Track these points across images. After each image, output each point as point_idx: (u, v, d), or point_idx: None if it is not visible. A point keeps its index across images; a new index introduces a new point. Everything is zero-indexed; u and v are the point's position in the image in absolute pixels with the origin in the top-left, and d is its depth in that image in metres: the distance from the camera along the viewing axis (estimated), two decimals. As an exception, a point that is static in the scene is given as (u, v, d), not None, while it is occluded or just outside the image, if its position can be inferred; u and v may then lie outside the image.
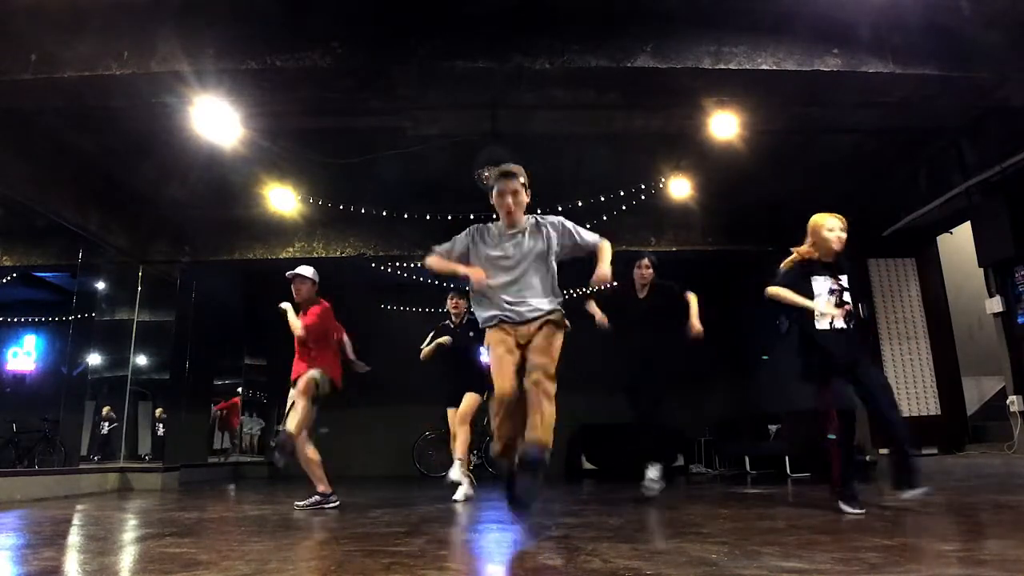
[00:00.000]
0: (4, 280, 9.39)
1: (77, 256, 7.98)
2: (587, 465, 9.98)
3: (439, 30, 4.84)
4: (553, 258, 3.56)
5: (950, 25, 4.82)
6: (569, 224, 3.61)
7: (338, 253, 8.41)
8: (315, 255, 8.37)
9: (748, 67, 4.89)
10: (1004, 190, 6.01)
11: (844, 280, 3.96)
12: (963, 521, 3.45)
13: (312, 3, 4.77)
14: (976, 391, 7.78)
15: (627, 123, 6.36)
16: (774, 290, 3.97)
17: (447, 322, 6.24)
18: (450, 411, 6.13)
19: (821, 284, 3.92)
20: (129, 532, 3.61)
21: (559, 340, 3.37)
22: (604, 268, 3.43)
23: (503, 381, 3.21)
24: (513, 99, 5.67)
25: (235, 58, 4.76)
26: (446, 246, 3.63)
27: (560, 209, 7.81)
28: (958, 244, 7.53)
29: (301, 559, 2.48)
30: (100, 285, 8.61)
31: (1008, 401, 6.15)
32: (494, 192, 3.59)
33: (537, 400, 3.07)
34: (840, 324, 3.84)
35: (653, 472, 5.04)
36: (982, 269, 6.47)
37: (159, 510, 4.99)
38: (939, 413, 7.40)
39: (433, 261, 3.58)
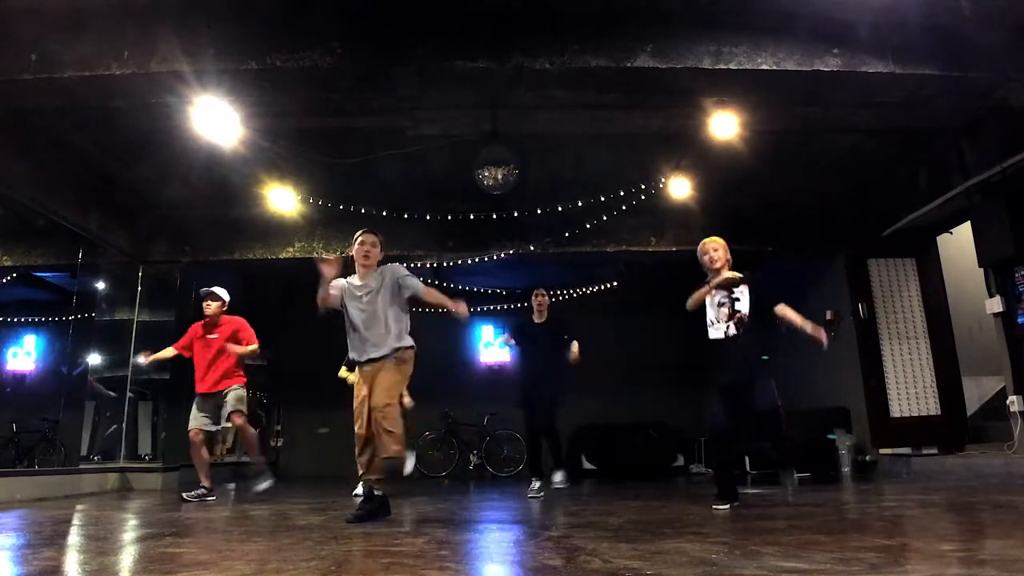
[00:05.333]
0: (4, 280, 9.38)
1: (77, 256, 7.96)
2: (587, 465, 9.97)
3: (439, 30, 4.84)
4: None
5: (950, 25, 4.82)
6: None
7: (338, 253, 8.40)
8: (315, 255, 8.36)
9: (748, 67, 4.88)
10: (1004, 190, 6.02)
11: (738, 292, 4.31)
12: (963, 521, 3.45)
13: (312, 3, 4.77)
14: (976, 391, 7.78)
15: (627, 123, 6.36)
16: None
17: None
18: None
19: (711, 301, 4.36)
20: (129, 532, 3.61)
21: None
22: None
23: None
24: (513, 99, 5.67)
25: (235, 58, 4.75)
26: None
27: (560, 209, 7.82)
28: (958, 244, 7.53)
29: (301, 559, 2.48)
30: (100, 285, 8.60)
31: (1008, 401, 6.15)
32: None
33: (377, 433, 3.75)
34: (732, 331, 4.23)
35: (559, 476, 5.92)
36: (982, 269, 6.47)
37: (159, 510, 4.99)
38: (939, 413, 7.40)
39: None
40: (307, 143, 6.61)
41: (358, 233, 4.20)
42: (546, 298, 6.21)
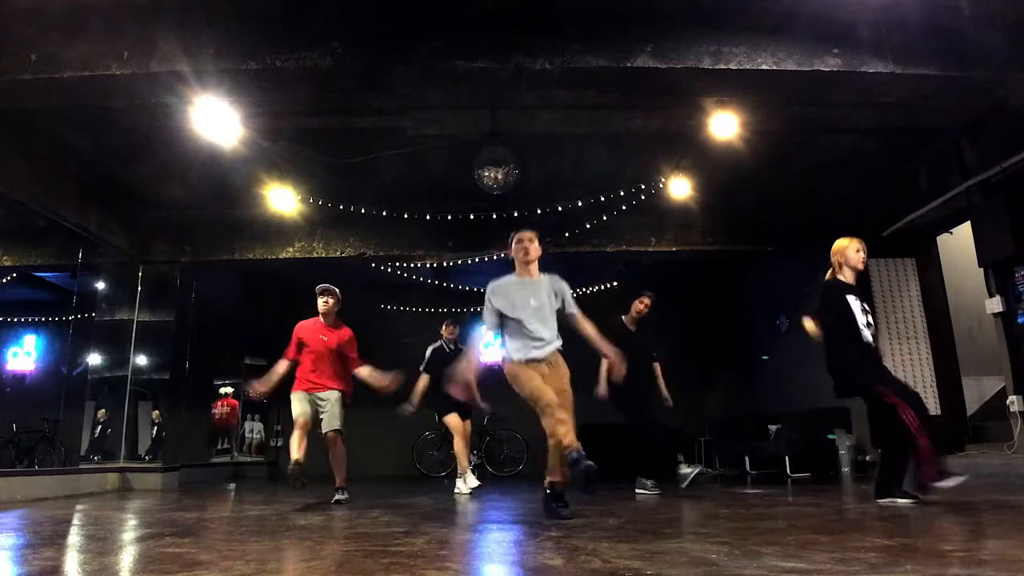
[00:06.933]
0: (4, 280, 9.39)
1: (77, 256, 7.97)
2: (587, 465, 9.96)
3: (439, 30, 4.84)
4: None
5: (950, 25, 4.82)
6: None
7: (338, 253, 8.40)
8: (315, 255, 8.38)
9: (748, 67, 4.89)
10: (1004, 190, 6.02)
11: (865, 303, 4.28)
12: (963, 521, 3.45)
13: (312, 3, 4.77)
14: (976, 391, 7.78)
15: (627, 123, 6.36)
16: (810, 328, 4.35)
17: (441, 344, 6.84)
18: (452, 417, 6.57)
19: (856, 304, 4.19)
20: (129, 532, 3.61)
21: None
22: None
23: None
24: (513, 99, 5.67)
25: (235, 58, 4.76)
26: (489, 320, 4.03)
27: (560, 209, 7.82)
28: (958, 244, 7.53)
29: (301, 559, 2.48)
30: (100, 285, 8.61)
31: (1008, 401, 6.15)
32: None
33: None
34: (869, 339, 4.14)
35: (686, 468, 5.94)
36: (982, 269, 6.46)
37: (159, 510, 4.99)
38: (939, 413, 7.39)
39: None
40: (307, 143, 6.62)
41: (513, 232, 4.06)
42: (646, 306, 5.95)
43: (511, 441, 10.43)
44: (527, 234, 3.98)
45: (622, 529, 3.25)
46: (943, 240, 7.73)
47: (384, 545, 2.77)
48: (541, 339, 3.88)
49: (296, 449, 5.11)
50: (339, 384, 5.36)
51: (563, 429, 3.68)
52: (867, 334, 4.10)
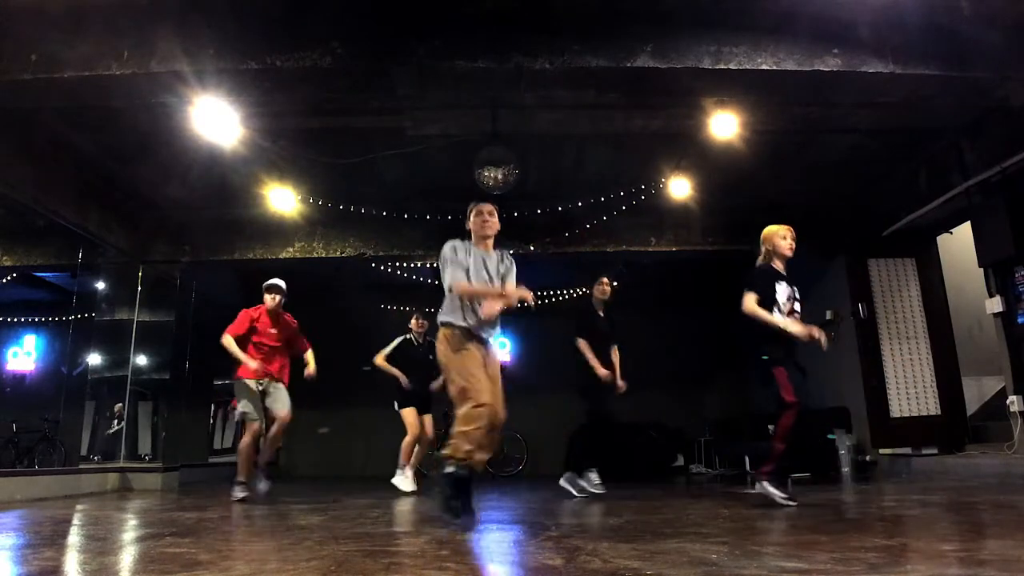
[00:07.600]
0: (4, 280, 9.39)
1: (77, 256, 7.98)
2: (587, 465, 9.96)
3: (439, 30, 4.84)
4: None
5: (950, 25, 4.82)
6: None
7: (338, 253, 8.40)
8: (315, 255, 8.37)
9: (748, 67, 4.88)
10: (1004, 190, 6.01)
11: (797, 291, 4.49)
12: (963, 521, 3.45)
13: (312, 3, 4.77)
14: (976, 391, 7.78)
15: (627, 123, 6.36)
16: (752, 308, 4.42)
17: (409, 337, 7.00)
18: (409, 411, 6.88)
19: (782, 291, 4.42)
20: (129, 532, 3.61)
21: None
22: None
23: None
24: (513, 99, 5.67)
25: (235, 58, 4.76)
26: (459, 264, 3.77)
27: (560, 209, 7.82)
28: (958, 244, 7.53)
29: (301, 559, 2.48)
30: (100, 285, 8.61)
31: (1008, 401, 6.15)
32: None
33: None
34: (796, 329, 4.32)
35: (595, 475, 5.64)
36: (982, 269, 6.47)
37: (159, 510, 4.99)
38: (939, 413, 7.40)
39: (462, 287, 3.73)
40: (307, 143, 6.61)
41: (473, 204, 3.92)
42: (610, 287, 6.04)
43: (510, 441, 10.41)
44: (487, 207, 3.88)
45: (622, 529, 3.25)
46: (943, 240, 7.73)
47: (384, 545, 2.78)
48: (488, 322, 3.72)
49: (248, 466, 5.52)
50: (286, 377, 5.82)
51: (480, 456, 3.46)
52: (780, 319, 4.32)
